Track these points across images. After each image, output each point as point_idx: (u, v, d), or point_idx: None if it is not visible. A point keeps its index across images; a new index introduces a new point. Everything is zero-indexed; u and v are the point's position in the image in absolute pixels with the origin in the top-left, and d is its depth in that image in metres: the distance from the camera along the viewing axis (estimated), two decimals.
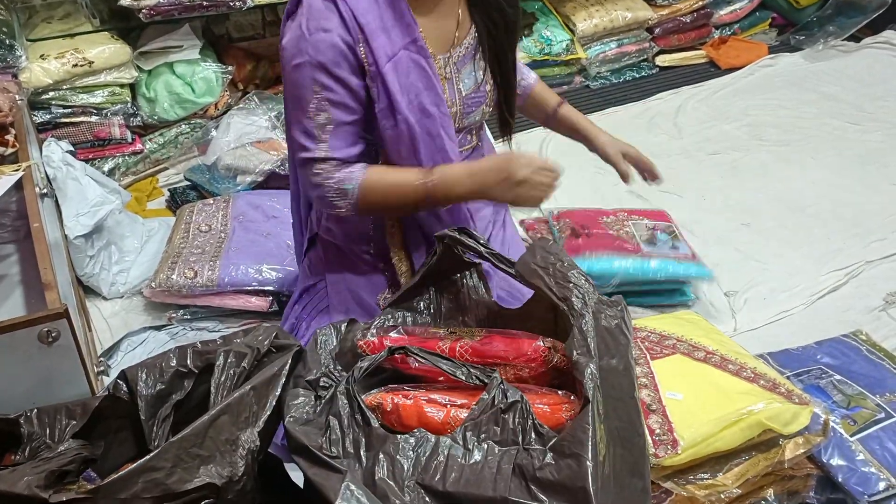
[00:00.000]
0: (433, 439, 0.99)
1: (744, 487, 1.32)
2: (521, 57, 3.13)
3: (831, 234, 2.44)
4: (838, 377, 1.55)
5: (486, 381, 1.04)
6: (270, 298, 2.06)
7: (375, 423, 1.01)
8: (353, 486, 0.93)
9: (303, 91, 1.26)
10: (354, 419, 1.03)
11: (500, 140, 1.58)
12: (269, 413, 1.05)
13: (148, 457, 0.93)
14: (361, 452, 1.00)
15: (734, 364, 1.44)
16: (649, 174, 1.61)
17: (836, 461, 1.38)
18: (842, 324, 1.93)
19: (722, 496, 1.29)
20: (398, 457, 0.98)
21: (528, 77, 1.63)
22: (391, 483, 0.95)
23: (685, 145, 2.97)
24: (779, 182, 2.72)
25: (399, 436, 1.00)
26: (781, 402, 1.34)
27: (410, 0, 1.28)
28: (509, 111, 1.49)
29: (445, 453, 0.98)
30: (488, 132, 1.62)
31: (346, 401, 1.05)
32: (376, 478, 0.96)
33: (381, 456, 0.98)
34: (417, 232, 1.45)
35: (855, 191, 2.66)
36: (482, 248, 1.23)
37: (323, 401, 1.06)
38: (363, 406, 1.04)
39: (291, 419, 1.02)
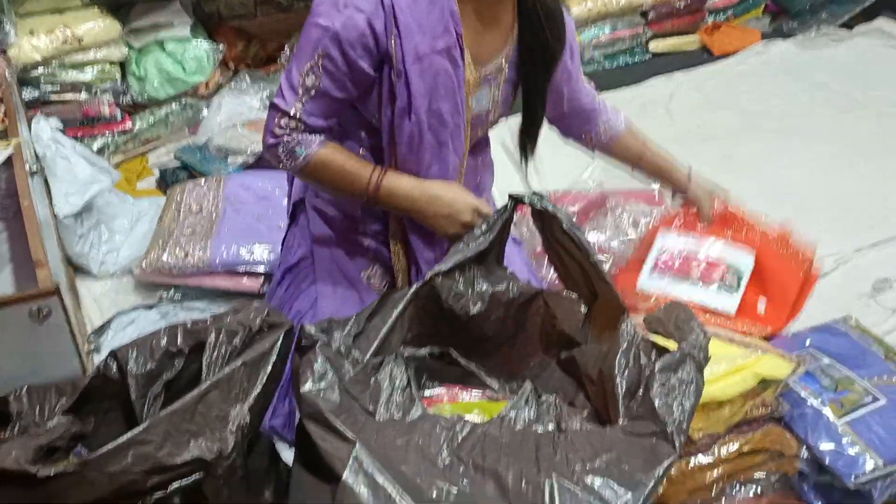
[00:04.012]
0: (470, 422, 1.01)
1: (733, 466, 1.34)
2: None
3: (821, 221, 2.44)
4: (827, 361, 1.56)
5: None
6: (262, 279, 2.05)
7: (417, 400, 1.03)
8: (362, 457, 0.93)
9: (309, 48, 1.25)
10: (396, 392, 1.05)
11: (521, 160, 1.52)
12: (259, 390, 1.05)
13: (137, 430, 0.93)
14: (394, 423, 1.01)
15: (725, 335, 1.47)
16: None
17: (823, 444, 1.40)
18: (832, 310, 1.94)
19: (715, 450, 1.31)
20: (435, 430, 0.99)
21: (615, 124, 1.60)
22: (424, 455, 0.97)
23: (677, 132, 2.97)
24: (770, 170, 2.72)
25: (437, 415, 1.02)
26: (772, 357, 1.38)
27: (464, 4, 1.26)
28: (530, 141, 1.46)
29: (483, 431, 1.00)
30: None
31: (395, 371, 1.06)
32: (409, 449, 0.97)
33: (417, 429, 0.99)
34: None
35: (846, 179, 2.66)
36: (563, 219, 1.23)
37: (354, 370, 1.06)
38: (411, 381, 1.06)
39: (308, 384, 1.02)
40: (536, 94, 1.40)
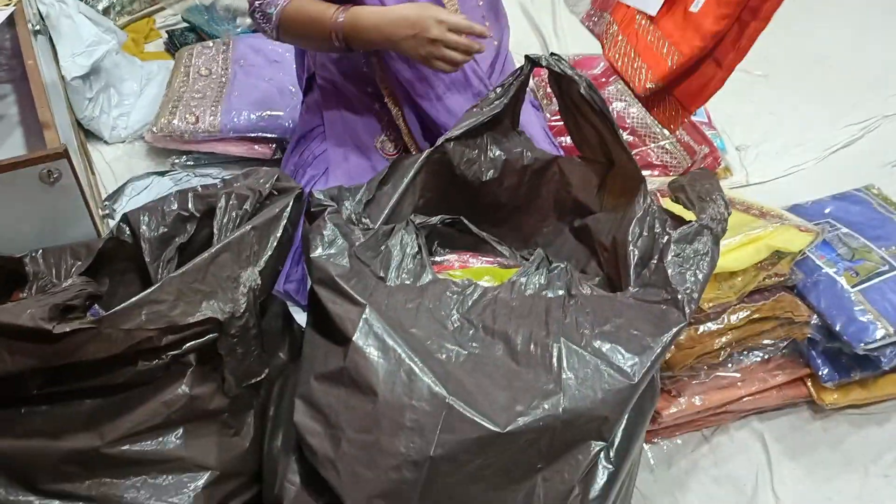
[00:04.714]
0: (481, 286, 1.02)
1: (743, 332, 1.35)
2: None
3: (850, 87, 2.36)
4: (845, 230, 1.54)
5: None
6: (273, 145, 2.02)
7: (428, 265, 1.03)
8: (372, 319, 0.94)
9: None
10: (407, 259, 1.05)
11: None
12: (270, 253, 1.05)
13: (150, 290, 0.95)
14: (405, 288, 1.01)
15: (742, 204, 1.44)
16: None
17: (835, 311, 1.40)
18: (855, 178, 1.89)
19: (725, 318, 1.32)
20: (445, 294, 1.00)
21: None
22: (435, 318, 0.97)
23: None
24: (801, 33, 2.60)
25: (447, 279, 1.02)
26: (789, 228, 1.36)
27: None
28: None
29: (494, 295, 1.01)
30: None
31: (406, 238, 1.06)
32: (419, 312, 0.98)
33: (427, 293, 1.00)
34: (405, 71, 1.38)
35: (879, 43, 2.54)
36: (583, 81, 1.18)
37: (364, 237, 1.06)
38: (421, 246, 1.06)
39: (317, 251, 1.02)
40: None
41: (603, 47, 1.50)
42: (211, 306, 0.97)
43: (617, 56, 1.46)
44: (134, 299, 0.93)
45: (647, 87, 1.39)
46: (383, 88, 1.41)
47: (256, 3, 1.30)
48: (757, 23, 1.31)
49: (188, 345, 0.98)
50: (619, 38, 1.46)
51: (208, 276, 0.99)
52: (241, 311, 0.99)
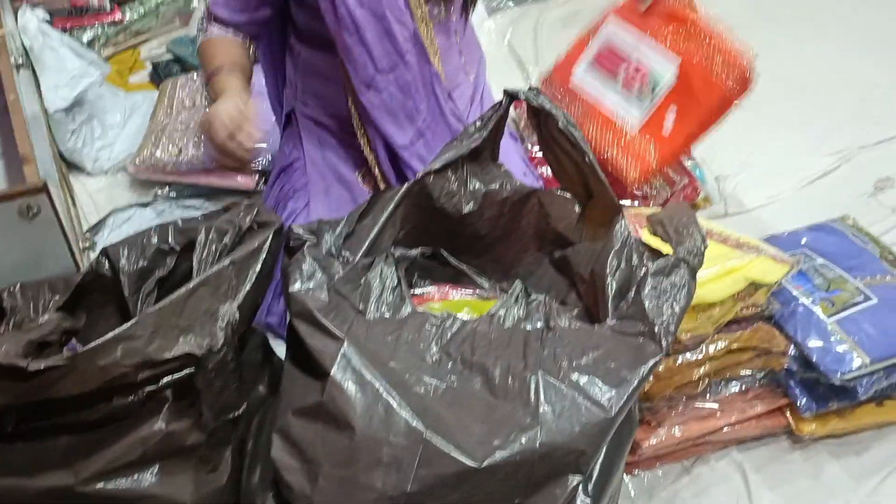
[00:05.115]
0: (460, 319, 1.02)
1: (721, 363, 1.36)
2: None
3: (829, 116, 2.40)
4: (821, 261, 1.56)
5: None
6: (256, 176, 2.03)
7: (407, 298, 1.04)
8: (350, 354, 0.94)
9: None
10: (386, 292, 1.05)
11: (457, 26, 1.46)
12: (248, 287, 1.05)
13: (126, 325, 0.94)
14: (384, 321, 1.01)
15: (719, 235, 1.45)
16: None
17: (812, 342, 1.41)
18: (832, 208, 1.92)
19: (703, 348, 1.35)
20: (425, 327, 1.00)
21: None
22: (413, 351, 0.98)
23: None
24: (783, 60, 2.64)
25: (426, 312, 1.02)
26: (765, 259, 1.37)
27: None
28: None
29: (473, 327, 1.01)
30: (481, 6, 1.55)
31: (386, 271, 1.06)
32: (398, 346, 0.98)
33: (406, 326, 1.00)
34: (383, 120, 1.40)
35: (859, 71, 2.58)
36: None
37: (344, 270, 1.06)
38: (401, 279, 1.06)
39: (296, 284, 1.02)
40: None
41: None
42: (188, 341, 0.97)
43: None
44: (109, 335, 0.93)
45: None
46: (360, 137, 1.43)
47: (198, 33, 1.35)
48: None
49: (165, 380, 0.98)
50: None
51: (186, 311, 0.99)
52: (219, 346, 0.99)
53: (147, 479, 1.00)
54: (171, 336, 0.97)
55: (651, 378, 1.29)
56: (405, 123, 1.38)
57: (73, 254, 1.37)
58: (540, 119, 1.26)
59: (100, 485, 0.98)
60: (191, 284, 1.01)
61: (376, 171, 1.44)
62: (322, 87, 1.42)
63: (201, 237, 1.16)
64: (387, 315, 1.03)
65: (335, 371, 0.94)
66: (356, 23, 1.27)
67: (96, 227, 1.96)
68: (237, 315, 1.02)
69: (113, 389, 0.95)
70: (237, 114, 1.23)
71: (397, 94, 1.35)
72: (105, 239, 1.92)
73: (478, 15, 2.78)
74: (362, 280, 1.07)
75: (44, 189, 1.27)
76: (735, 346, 1.38)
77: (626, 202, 1.82)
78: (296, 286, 1.02)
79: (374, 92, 1.34)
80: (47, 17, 2.24)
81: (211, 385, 1.01)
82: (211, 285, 1.03)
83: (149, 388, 0.97)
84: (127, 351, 0.93)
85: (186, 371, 0.98)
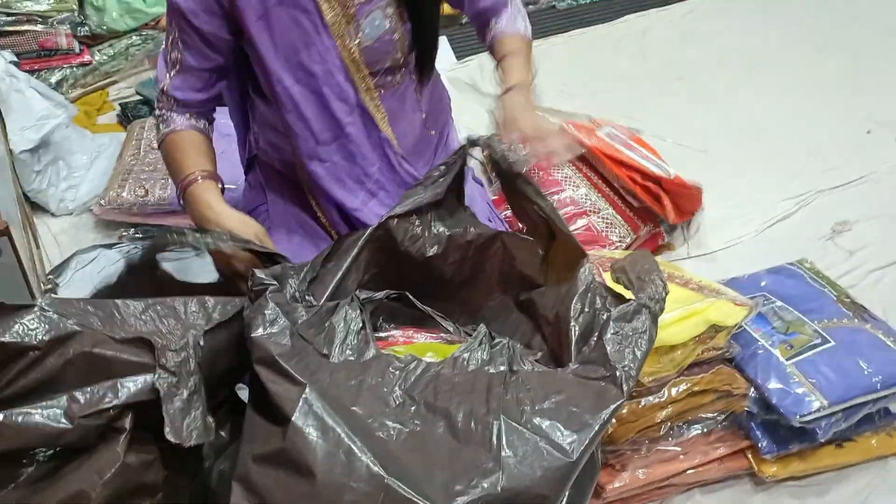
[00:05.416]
0: (424, 362, 1.02)
1: (683, 405, 1.37)
2: None
3: (788, 161, 2.46)
4: (779, 303, 1.59)
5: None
6: None
7: (371, 341, 1.04)
8: (311, 399, 0.93)
9: (169, 22, 1.26)
10: (350, 335, 1.05)
11: (416, 87, 1.46)
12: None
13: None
14: (348, 365, 1.01)
15: (680, 278, 1.48)
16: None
17: (771, 384, 1.43)
18: (791, 251, 1.97)
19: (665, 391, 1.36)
20: (388, 370, 1.00)
21: (501, 27, 1.46)
22: (377, 395, 0.97)
23: (650, 69, 2.95)
24: (742, 108, 2.72)
25: (391, 355, 1.02)
26: (725, 302, 1.40)
27: None
28: (425, 61, 1.41)
29: (436, 371, 1.01)
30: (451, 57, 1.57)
31: (350, 314, 1.06)
32: (362, 390, 0.98)
33: (370, 369, 1.00)
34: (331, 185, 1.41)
35: (814, 118, 2.66)
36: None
37: (308, 314, 1.06)
38: (366, 323, 1.06)
39: (258, 330, 1.01)
40: (420, 9, 1.33)
41: None
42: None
43: None
44: None
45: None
46: (313, 202, 1.45)
47: (158, 115, 1.33)
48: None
49: (124, 397, 0.95)
50: None
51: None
52: (180, 345, 0.98)
53: None
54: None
55: (614, 422, 1.30)
56: (354, 188, 1.40)
57: (32, 297, 1.35)
58: (500, 165, 1.28)
59: None
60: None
61: (333, 232, 1.45)
62: (278, 140, 1.44)
63: None
64: (351, 358, 1.03)
65: (296, 416, 0.93)
66: (294, 100, 1.30)
67: (58, 270, 1.92)
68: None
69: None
70: (264, 237, 1.25)
71: (342, 162, 1.38)
72: (68, 281, 1.89)
73: (447, 61, 2.84)
74: (326, 323, 1.07)
75: (5, 232, 1.26)
76: (697, 388, 1.39)
77: (592, 246, 1.85)
78: (258, 332, 1.01)
79: (318, 162, 1.37)
80: (14, 59, 2.24)
81: (172, 392, 0.97)
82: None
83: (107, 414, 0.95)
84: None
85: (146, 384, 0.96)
